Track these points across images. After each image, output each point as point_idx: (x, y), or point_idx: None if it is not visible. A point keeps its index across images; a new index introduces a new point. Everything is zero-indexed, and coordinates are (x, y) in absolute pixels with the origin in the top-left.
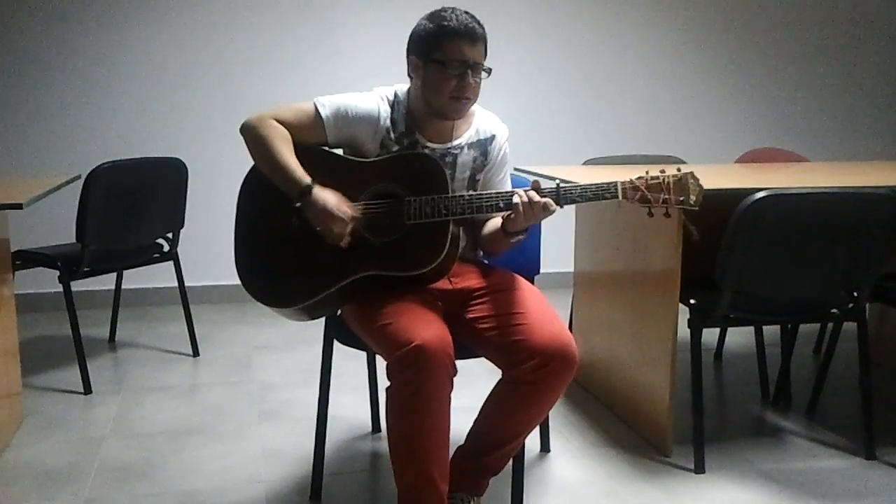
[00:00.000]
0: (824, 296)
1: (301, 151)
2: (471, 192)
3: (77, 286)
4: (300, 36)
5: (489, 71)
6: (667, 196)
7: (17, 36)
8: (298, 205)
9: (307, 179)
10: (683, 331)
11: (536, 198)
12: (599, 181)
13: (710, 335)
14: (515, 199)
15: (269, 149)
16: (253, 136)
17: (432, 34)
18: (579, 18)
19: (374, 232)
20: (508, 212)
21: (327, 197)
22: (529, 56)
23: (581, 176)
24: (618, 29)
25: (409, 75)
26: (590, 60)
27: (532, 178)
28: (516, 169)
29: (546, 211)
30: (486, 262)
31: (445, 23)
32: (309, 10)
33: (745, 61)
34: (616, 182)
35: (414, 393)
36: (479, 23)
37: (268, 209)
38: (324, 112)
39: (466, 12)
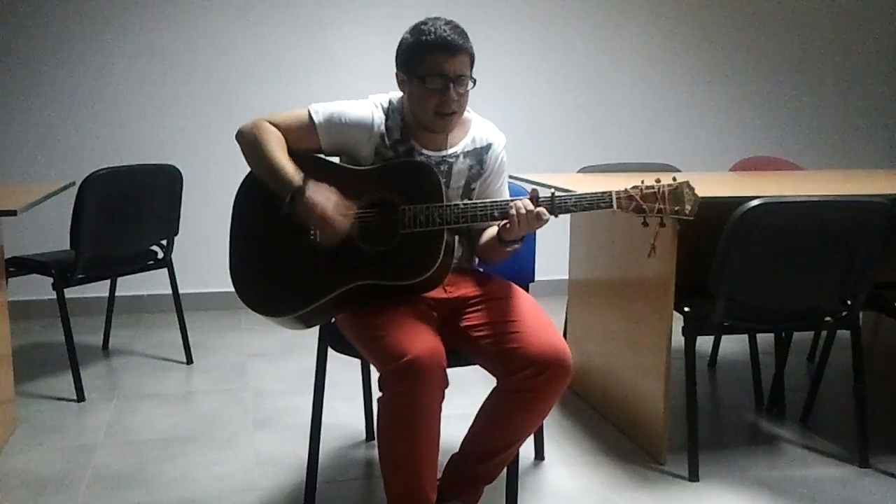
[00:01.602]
0: (818, 304)
1: (295, 159)
2: (465, 201)
3: (71, 293)
4: (296, 43)
5: (474, 81)
6: (662, 205)
7: (11, 42)
8: (289, 203)
9: (299, 178)
10: (678, 339)
11: (530, 206)
12: (594, 190)
13: (704, 343)
14: (511, 211)
15: (263, 150)
16: (247, 139)
17: (412, 49)
18: (575, 26)
19: (368, 240)
20: (503, 221)
21: (328, 195)
22: (525, 64)
23: (577, 183)
24: (613, 37)
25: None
26: (585, 68)
27: (527, 185)
28: (512, 177)
29: (540, 220)
30: (480, 270)
31: (424, 37)
32: (305, 17)
33: (741, 69)
34: (611, 192)
35: (406, 405)
36: (461, 33)
37: (263, 217)
38: (317, 118)
39: (449, 23)
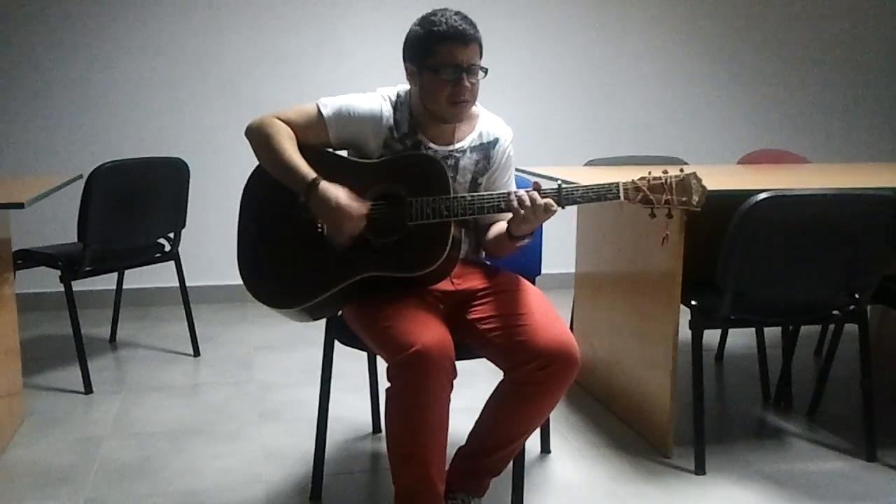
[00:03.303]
0: (826, 297)
1: (304, 152)
2: (472, 194)
3: (78, 286)
4: (302, 36)
5: (486, 71)
6: (669, 197)
7: (17, 36)
8: (303, 200)
9: (312, 175)
10: (685, 332)
11: (538, 198)
12: (601, 182)
13: (711, 336)
14: (514, 203)
15: (274, 147)
16: (257, 136)
17: (423, 40)
18: (582, 19)
19: (375, 233)
20: (510, 213)
21: (338, 193)
22: (531, 56)
23: (583, 177)
24: (620, 29)
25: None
26: (592, 61)
27: (534, 178)
28: (518, 170)
29: (547, 212)
30: (488, 263)
31: (435, 28)
32: (311, 10)
33: (748, 62)
34: (618, 183)
35: (414, 395)
36: (471, 23)
37: (271, 210)
38: (326, 112)
39: (458, 13)
